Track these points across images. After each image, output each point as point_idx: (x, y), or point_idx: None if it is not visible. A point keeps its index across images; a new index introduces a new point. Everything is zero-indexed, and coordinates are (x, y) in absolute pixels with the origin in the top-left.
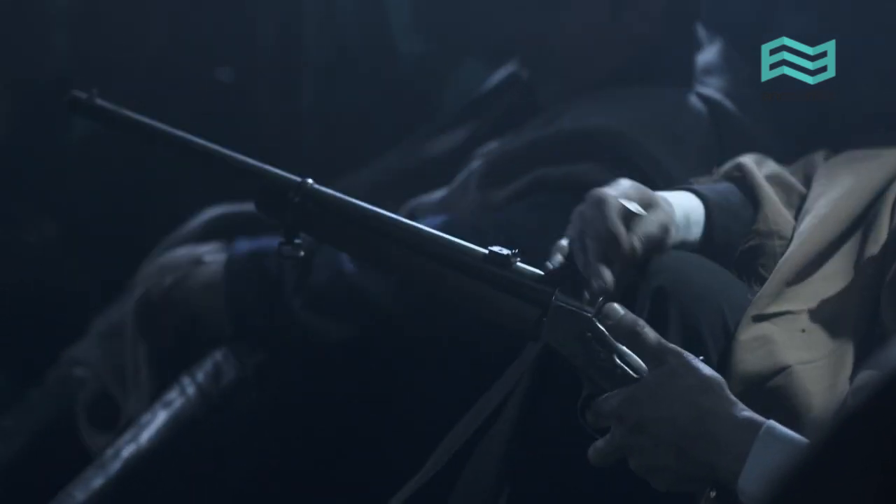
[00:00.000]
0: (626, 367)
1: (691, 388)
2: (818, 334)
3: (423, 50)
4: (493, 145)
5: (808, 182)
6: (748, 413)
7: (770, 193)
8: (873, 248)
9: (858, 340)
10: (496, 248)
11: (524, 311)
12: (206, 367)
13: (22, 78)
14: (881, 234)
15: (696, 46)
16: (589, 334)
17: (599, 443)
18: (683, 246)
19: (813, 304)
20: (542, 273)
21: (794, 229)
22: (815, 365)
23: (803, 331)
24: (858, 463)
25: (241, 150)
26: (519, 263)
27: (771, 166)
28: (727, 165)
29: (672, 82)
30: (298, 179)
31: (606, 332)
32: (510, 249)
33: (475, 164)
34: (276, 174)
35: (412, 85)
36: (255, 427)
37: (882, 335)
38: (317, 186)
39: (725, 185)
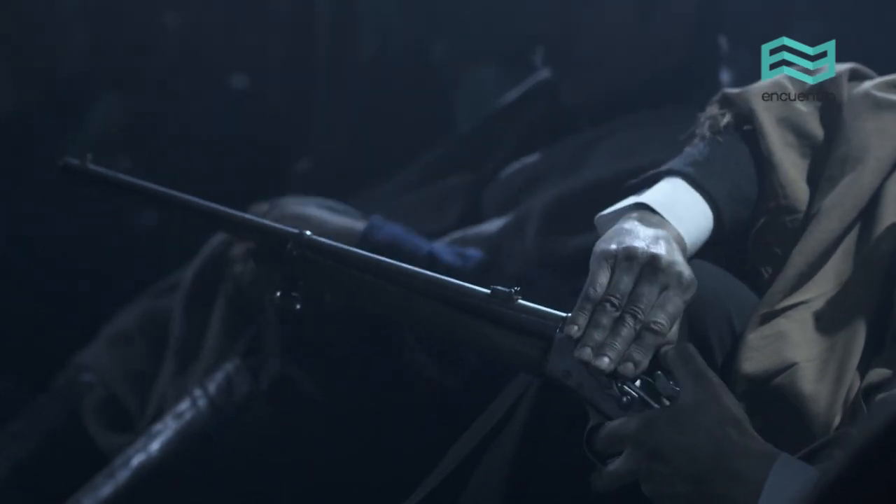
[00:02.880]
0: (643, 395)
1: (715, 420)
2: (828, 320)
3: (441, 56)
4: (528, 160)
5: (829, 123)
6: (765, 445)
7: (782, 159)
8: (887, 221)
9: (870, 320)
10: (499, 287)
11: (528, 345)
12: (219, 379)
13: (43, 68)
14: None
15: (722, 59)
16: None
17: (611, 466)
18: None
19: (826, 288)
20: (545, 309)
21: (811, 197)
22: (822, 360)
23: (815, 318)
24: (877, 487)
25: (254, 155)
26: (521, 301)
27: (782, 109)
28: (738, 106)
29: (703, 98)
30: (295, 231)
31: None
32: (511, 288)
33: (515, 188)
34: (272, 227)
35: (428, 92)
36: (266, 442)
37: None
38: (314, 237)
39: (728, 149)
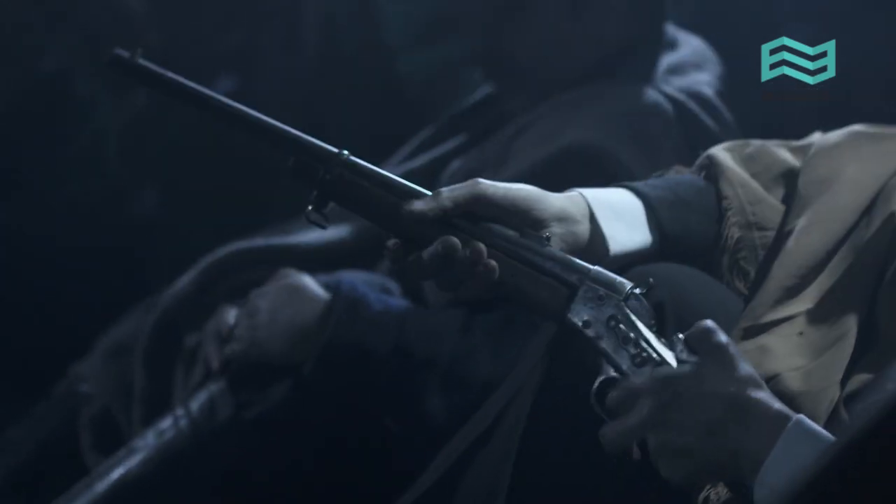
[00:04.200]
0: (661, 354)
1: (734, 378)
2: (815, 335)
3: (424, 63)
4: (465, 158)
5: (803, 155)
6: (781, 406)
7: (742, 180)
8: (875, 240)
9: (856, 333)
10: (529, 230)
11: (553, 291)
12: (202, 399)
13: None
14: (884, 225)
15: (667, 45)
16: (619, 317)
17: (623, 418)
18: (638, 252)
19: (812, 303)
20: (572, 258)
21: (785, 215)
22: (807, 370)
23: (801, 334)
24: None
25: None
26: (551, 247)
27: (755, 145)
28: (699, 159)
29: (634, 81)
30: (335, 151)
31: (636, 318)
32: (543, 233)
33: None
34: (313, 144)
35: (413, 96)
36: (245, 468)
37: (876, 331)
38: (353, 159)
39: (676, 177)
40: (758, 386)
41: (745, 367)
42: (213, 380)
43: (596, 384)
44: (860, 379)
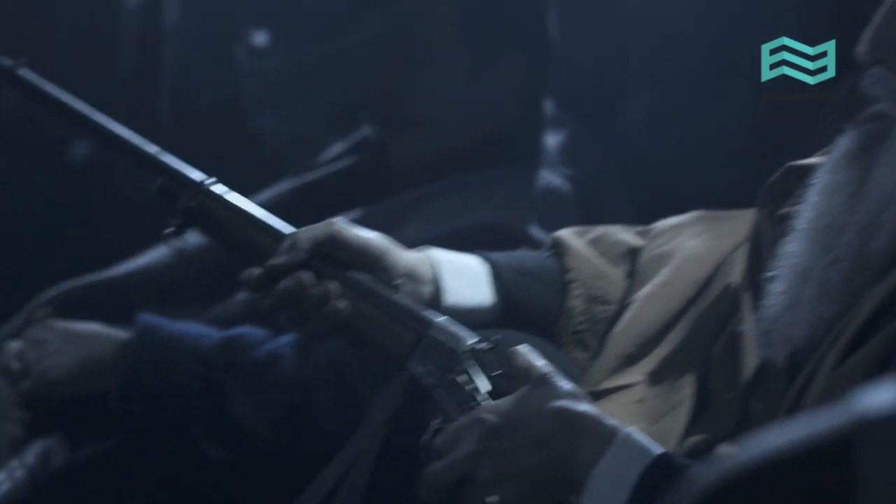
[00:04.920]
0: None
1: (554, 392)
2: (653, 401)
3: (279, 120)
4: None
5: (646, 236)
6: (611, 420)
7: (587, 257)
8: (712, 312)
9: (692, 398)
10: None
11: (399, 336)
12: (36, 449)
13: None
14: (721, 297)
15: (546, 124)
16: (457, 368)
17: (450, 454)
18: (479, 310)
19: (650, 372)
20: (420, 308)
21: (627, 290)
22: (646, 434)
23: (639, 401)
24: None
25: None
26: (403, 294)
27: (599, 229)
28: (548, 241)
29: (527, 163)
30: (200, 179)
31: (474, 371)
32: (395, 280)
33: None
34: (178, 169)
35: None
36: None
37: (709, 395)
38: (217, 188)
39: (525, 253)
40: (582, 400)
41: (567, 384)
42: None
43: (426, 434)
44: (694, 440)
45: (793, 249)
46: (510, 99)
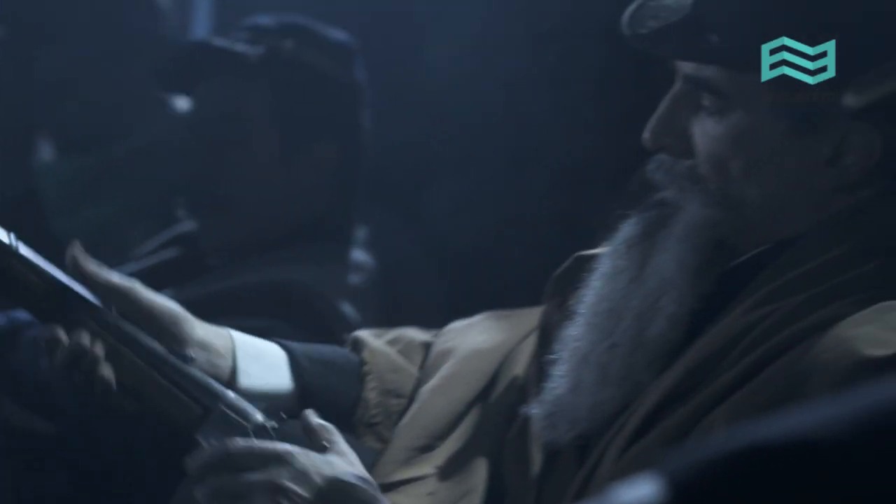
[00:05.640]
0: None
1: (355, 469)
2: (444, 493)
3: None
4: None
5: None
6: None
7: (383, 351)
8: (501, 402)
9: (484, 487)
10: (178, 350)
11: (190, 408)
12: None
13: None
14: (509, 388)
15: (358, 210)
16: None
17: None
18: (276, 395)
19: (441, 463)
20: (213, 381)
21: (416, 382)
22: None
23: (430, 493)
24: None
25: None
26: (195, 369)
27: (396, 330)
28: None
29: (338, 240)
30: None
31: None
32: (188, 354)
33: None
34: None
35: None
36: None
37: (503, 484)
38: (21, 251)
39: (328, 347)
40: (376, 488)
41: (363, 471)
42: None
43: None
44: None
45: (575, 333)
46: (322, 186)
